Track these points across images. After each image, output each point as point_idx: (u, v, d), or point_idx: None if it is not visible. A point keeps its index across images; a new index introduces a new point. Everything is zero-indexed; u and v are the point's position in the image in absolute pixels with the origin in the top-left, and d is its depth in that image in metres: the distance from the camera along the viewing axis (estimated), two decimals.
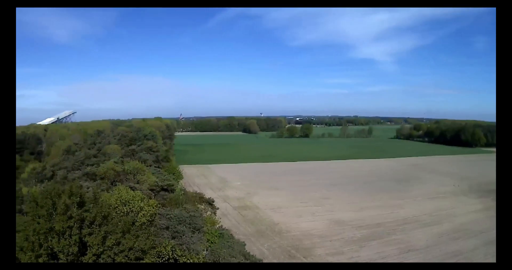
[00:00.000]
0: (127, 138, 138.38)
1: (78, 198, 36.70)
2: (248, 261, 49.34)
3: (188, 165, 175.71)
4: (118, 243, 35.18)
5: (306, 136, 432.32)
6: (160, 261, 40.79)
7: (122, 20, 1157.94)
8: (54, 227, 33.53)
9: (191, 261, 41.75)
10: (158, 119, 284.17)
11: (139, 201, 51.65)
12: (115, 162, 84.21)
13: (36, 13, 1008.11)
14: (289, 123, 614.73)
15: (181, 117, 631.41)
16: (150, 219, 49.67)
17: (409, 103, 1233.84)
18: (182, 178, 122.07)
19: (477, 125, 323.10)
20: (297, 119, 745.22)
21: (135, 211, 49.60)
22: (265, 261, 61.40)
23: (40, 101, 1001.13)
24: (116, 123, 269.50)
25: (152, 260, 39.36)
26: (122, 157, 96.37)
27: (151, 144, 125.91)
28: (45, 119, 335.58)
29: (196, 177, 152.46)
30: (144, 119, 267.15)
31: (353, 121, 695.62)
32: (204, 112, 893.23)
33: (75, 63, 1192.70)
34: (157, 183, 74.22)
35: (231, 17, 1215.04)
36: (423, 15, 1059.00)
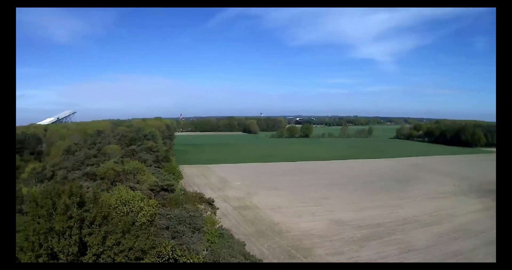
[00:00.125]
0: (127, 138, 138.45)
1: (78, 198, 36.72)
2: (248, 261, 49.36)
3: (188, 165, 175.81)
4: (118, 243, 35.20)
5: (306, 136, 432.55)
6: (160, 261, 40.82)
7: (122, 20, 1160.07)
8: (54, 227, 33.54)
9: (191, 261, 41.77)
10: (158, 119, 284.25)
11: (139, 201, 51.67)
12: (115, 162, 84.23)
13: (36, 13, 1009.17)
14: (289, 123, 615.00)
15: (181, 117, 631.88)
16: (150, 219, 49.69)
17: (409, 103, 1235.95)
18: (182, 178, 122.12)
19: (477, 125, 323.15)
20: (297, 119, 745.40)
21: (135, 211, 49.62)
22: (265, 261, 61.46)
23: (40, 101, 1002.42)
24: (116, 123, 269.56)
25: (152, 260, 39.37)
26: (122, 157, 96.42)
27: (151, 144, 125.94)
28: (45, 119, 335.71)
29: (196, 177, 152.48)
30: (144, 119, 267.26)
31: (353, 121, 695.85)
32: (204, 112, 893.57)
33: (75, 63, 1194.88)
34: (157, 183, 74.26)
35: (231, 17, 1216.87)
36: (423, 15, 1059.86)
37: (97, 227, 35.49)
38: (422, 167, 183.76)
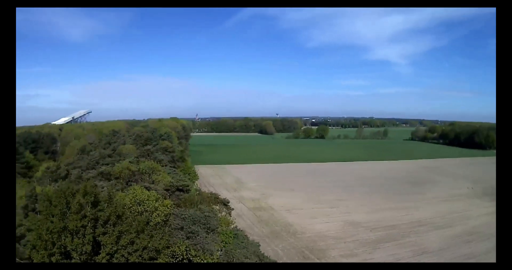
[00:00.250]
0: (142, 138, 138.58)
1: (93, 198, 36.74)
2: (256, 261, 49.06)
3: (203, 165, 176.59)
4: (132, 243, 35.15)
5: (322, 137, 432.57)
6: (174, 261, 40.68)
7: (137, 21, 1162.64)
8: (67, 226, 33.57)
9: (205, 261, 41.60)
10: (174, 119, 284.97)
11: (154, 201, 51.62)
12: (130, 161, 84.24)
13: (51, 13, 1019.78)
14: (305, 125, 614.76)
15: (197, 117, 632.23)
16: (165, 219, 49.61)
17: (425, 105, 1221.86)
18: (198, 178, 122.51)
19: (491, 127, 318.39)
20: (313, 120, 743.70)
21: (150, 211, 49.58)
22: (279, 262, 61.15)
23: (55, 100, 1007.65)
24: (132, 123, 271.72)
25: (166, 260, 39.25)
26: (137, 157, 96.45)
27: (166, 145, 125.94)
28: (60, 118, 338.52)
29: (212, 178, 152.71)
30: (160, 120, 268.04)
31: (368, 122, 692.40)
32: (220, 113, 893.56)
33: (91, 62, 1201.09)
34: (172, 183, 74.09)
35: (247, 18, 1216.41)
36: (437, 17, 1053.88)
37: (111, 226, 35.46)
38: (436, 169, 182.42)
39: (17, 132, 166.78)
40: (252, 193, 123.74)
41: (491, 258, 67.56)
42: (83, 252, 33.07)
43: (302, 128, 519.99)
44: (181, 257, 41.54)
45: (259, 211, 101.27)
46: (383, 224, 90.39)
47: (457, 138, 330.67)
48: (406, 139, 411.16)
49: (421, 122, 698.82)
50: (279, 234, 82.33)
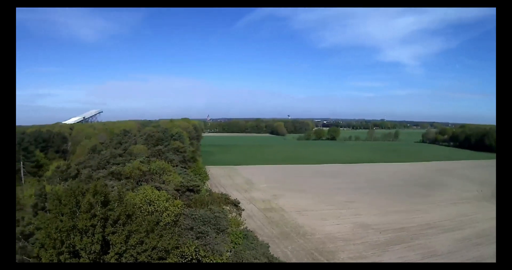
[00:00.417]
0: (153, 138, 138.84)
1: (103, 197, 36.70)
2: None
3: (214, 166, 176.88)
4: (142, 242, 35.10)
5: (333, 138, 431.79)
6: (183, 261, 40.66)
7: (149, 21, 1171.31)
8: (77, 225, 33.57)
9: (214, 262, 41.57)
10: (186, 120, 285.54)
11: (164, 201, 51.75)
12: (141, 161, 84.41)
13: (63, 13, 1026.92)
14: (316, 126, 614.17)
15: (209, 118, 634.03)
16: (175, 219, 49.66)
17: (436, 107, 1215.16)
18: (208, 179, 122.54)
19: None
20: (324, 121, 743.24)
21: (160, 211, 49.66)
22: (285, 262, 61.03)
23: (66, 99, 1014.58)
24: (143, 124, 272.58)
25: (175, 260, 39.25)
26: (148, 157, 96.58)
27: (177, 145, 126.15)
28: (70, 118, 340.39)
29: (222, 178, 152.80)
30: (171, 120, 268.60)
31: (380, 124, 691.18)
32: (231, 113, 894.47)
33: (102, 62, 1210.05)
34: (183, 184, 74.07)
35: (259, 18, 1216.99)
36: (448, 19, 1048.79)
37: (121, 226, 35.44)
38: (446, 172, 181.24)
39: (28, 131, 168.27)
40: (263, 194, 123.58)
41: None
42: (92, 251, 33.07)
43: (313, 129, 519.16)
44: (190, 257, 41.55)
45: (270, 212, 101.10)
46: (392, 226, 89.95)
47: (468, 140, 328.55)
48: (417, 141, 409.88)
49: (432, 124, 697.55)
50: (289, 235, 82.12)
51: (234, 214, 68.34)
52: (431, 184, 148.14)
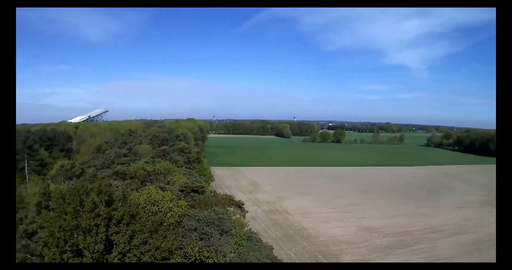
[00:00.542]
0: (159, 139, 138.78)
1: (107, 197, 36.67)
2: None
3: (219, 167, 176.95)
4: (145, 243, 35.03)
5: (338, 141, 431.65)
6: (187, 262, 40.56)
7: (155, 21, 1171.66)
8: (80, 224, 33.53)
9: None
10: (191, 120, 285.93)
11: (169, 201, 51.61)
12: (146, 162, 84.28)
13: (70, 12, 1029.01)
14: (322, 128, 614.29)
15: (214, 119, 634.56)
16: (179, 220, 49.53)
17: (441, 111, 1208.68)
18: (213, 180, 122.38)
19: None
20: (330, 124, 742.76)
21: (164, 211, 49.54)
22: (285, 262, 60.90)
23: (71, 98, 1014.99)
24: (149, 123, 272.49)
25: (179, 260, 39.11)
26: (153, 157, 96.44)
27: (183, 145, 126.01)
28: (76, 116, 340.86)
29: (227, 179, 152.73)
30: (177, 120, 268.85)
31: (385, 128, 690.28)
32: (237, 115, 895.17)
33: (108, 62, 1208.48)
34: (187, 184, 73.94)
35: (266, 20, 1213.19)
36: (454, 23, 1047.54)
37: (125, 226, 35.39)
38: (451, 176, 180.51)
39: (33, 129, 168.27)
40: (267, 196, 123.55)
41: None
42: (95, 251, 33.02)
43: (319, 131, 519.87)
44: (194, 258, 41.42)
45: (274, 214, 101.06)
46: (396, 230, 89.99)
47: (473, 145, 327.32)
48: (422, 145, 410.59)
49: (437, 128, 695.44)
50: (293, 238, 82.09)
51: (238, 215, 68.20)
52: (436, 188, 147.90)
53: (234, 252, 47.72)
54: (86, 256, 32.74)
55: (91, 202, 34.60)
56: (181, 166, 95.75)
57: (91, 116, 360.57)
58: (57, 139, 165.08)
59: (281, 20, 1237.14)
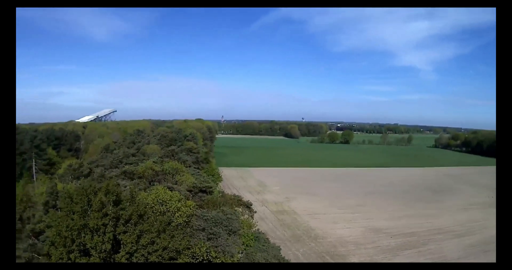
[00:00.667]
0: (167, 139, 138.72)
1: (115, 196, 36.60)
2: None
3: (227, 167, 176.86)
4: (153, 243, 34.94)
5: (347, 142, 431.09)
6: (195, 262, 40.47)
7: (163, 21, 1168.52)
8: (88, 223, 33.46)
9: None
10: (200, 120, 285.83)
11: (177, 201, 51.52)
12: (154, 161, 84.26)
13: (77, 12, 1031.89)
14: (330, 129, 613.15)
15: (223, 119, 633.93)
16: (187, 220, 49.43)
17: (449, 112, 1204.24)
18: (221, 180, 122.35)
19: None
20: (338, 125, 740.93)
21: (172, 211, 49.47)
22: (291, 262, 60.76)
23: (79, 98, 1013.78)
24: (157, 123, 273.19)
25: (186, 260, 39.02)
26: (161, 157, 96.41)
27: (191, 145, 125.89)
28: (84, 116, 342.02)
29: (235, 180, 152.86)
30: (185, 120, 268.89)
31: (393, 129, 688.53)
32: (246, 115, 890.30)
33: (116, 62, 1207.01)
34: (196, 184, 73.83)
35: (274, 21, 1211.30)
36: (462, 24, 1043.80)
37: (133, 225, 35.32)
38: (458, 177, 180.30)
39: (40, 128, 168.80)
40: (276, 197, 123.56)
41: None
42: (103, 250, 32.95)
43: (327, 132, 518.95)
44: (202, 258, 41.31)
45: (282, 214, 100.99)
46: (403, 231, 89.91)
47: (480, 146, 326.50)
48: (430, 146, 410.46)
49: (445, 129, 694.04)
50: (301, 238, 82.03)
51: (246, 216, 68.07)
52: (443, 189, 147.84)
53: (241, 253, 47.59)
54: (93, 256, 32.68)
55: (99, 201, 34.55)
56: (190, 166, 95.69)
57: (99, 116, 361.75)
58: (65, 139, 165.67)
59: (289, 21, 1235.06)
